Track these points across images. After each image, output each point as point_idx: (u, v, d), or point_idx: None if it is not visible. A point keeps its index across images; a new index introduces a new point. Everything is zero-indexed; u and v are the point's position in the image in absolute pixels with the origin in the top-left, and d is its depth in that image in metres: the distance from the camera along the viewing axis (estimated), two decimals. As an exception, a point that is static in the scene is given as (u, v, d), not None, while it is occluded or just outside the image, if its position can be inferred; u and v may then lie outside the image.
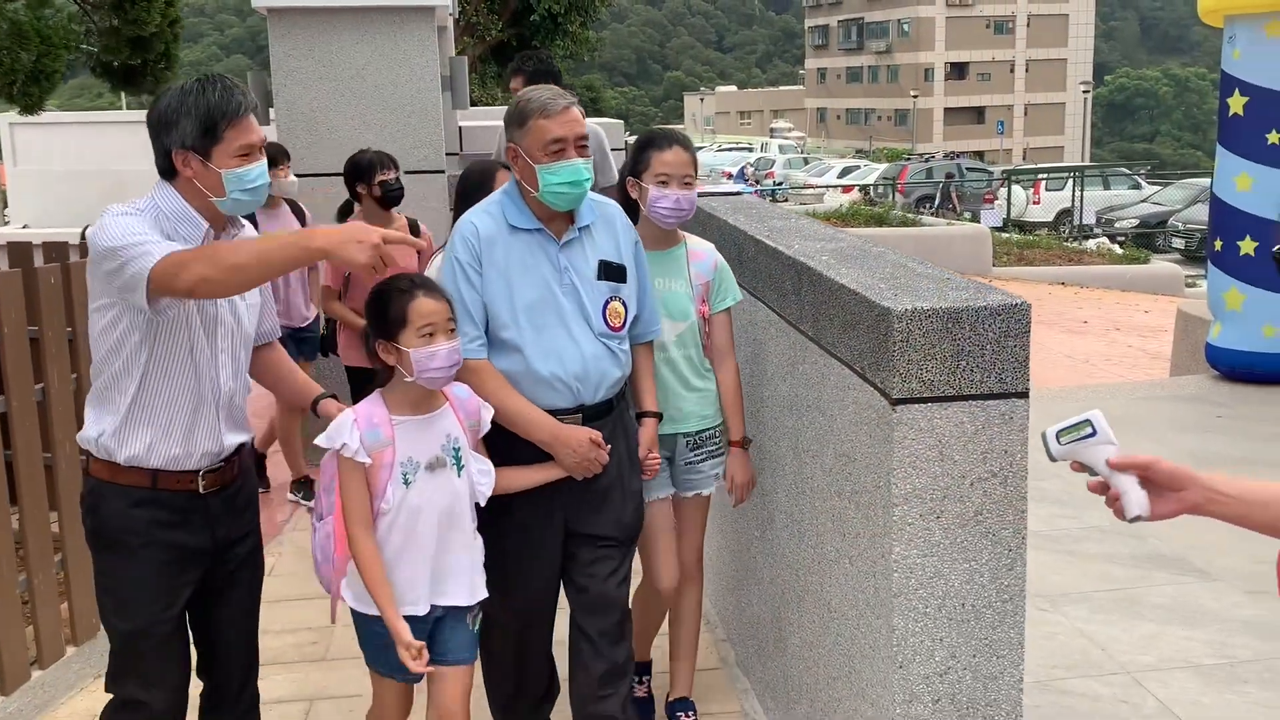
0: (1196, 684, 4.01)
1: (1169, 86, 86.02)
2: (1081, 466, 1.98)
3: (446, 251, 3.17)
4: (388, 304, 2.80)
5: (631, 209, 3.52)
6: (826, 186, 33.68)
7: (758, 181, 35.91)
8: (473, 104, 11.88)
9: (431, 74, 6.67)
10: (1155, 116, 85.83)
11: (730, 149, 49.44)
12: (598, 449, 3.08)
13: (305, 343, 6.00)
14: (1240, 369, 7.60)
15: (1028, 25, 75.81)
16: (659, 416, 3.38)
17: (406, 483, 2.83)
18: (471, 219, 3.13)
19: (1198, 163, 62.49)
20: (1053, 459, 2.02)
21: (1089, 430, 1.99)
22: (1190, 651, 4.23)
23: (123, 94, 21.38)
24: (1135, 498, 1.95)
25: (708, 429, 3.60)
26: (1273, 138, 7.25)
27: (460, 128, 8.51)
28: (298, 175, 6.69)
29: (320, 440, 2.82)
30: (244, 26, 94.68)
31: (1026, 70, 75.51)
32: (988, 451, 2.64)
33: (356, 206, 5.51)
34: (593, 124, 5.99)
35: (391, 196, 5.43)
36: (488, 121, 8.81)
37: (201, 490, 2.83)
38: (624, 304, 3.18)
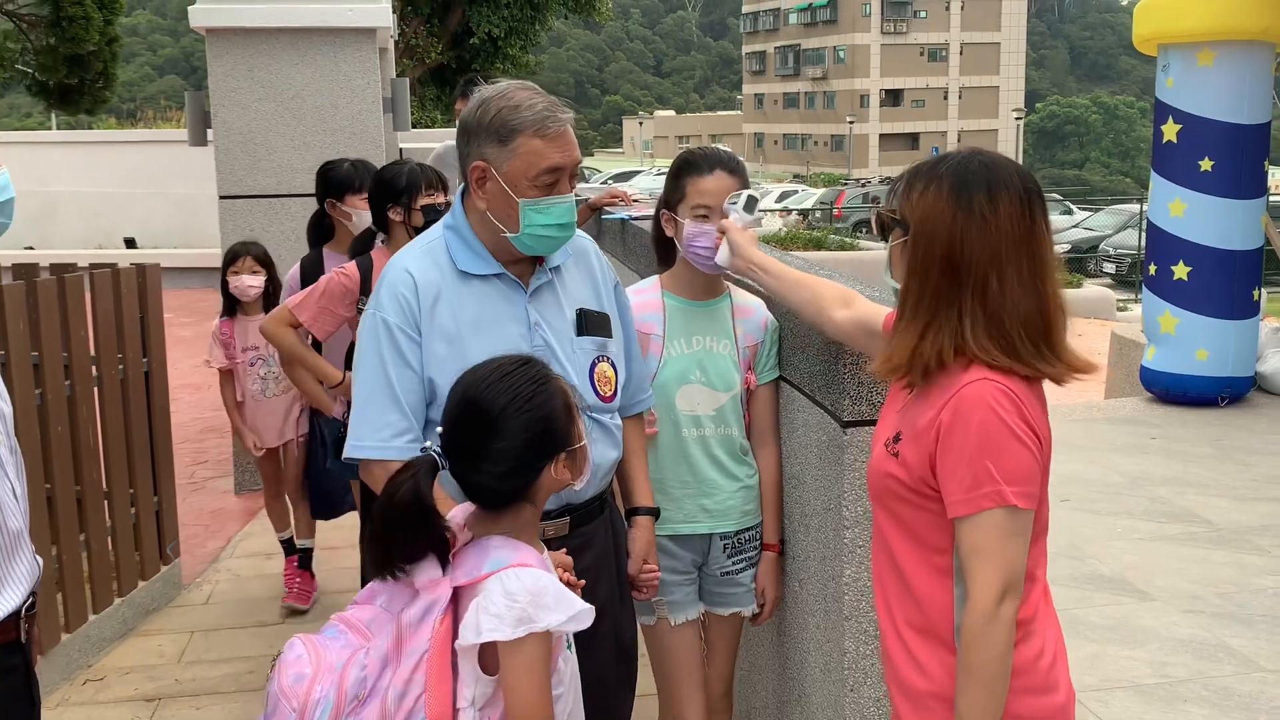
0: (1138, 703, 4.05)
1: (1098, 114, 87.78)
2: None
3: (369, 308, 2.40)
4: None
5: (665, 248, 2.93)
6: (765, 211, 33.91)
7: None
8: (412, 126, 11.82)
9: (373, 96, 6.63)
10: (1085, 143, 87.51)
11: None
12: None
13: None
14: (1174, 391, 7.72)
15: (960, 53, 77.19)
16: (656, 513, 2.72)
17: (569, 645, 2.13)
18: (405, 264, 2.38)
19: (1126, 189, 63.79)
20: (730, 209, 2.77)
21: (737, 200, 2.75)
22: (1131, 671, 4.27)
23: (53, 114, 21.04)
24: (722, 252, 2.72)
25: (749, 529, 2.93)
26: (1205, 165, 7.39)
27: (400, 149, 8.46)
28: (232, 196, 6.62)
29: (490, 634, 1.89)
30: (178, 47, 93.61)
31: (960, 97, 76.85)
32: (937, 473, 2.65)
33: (379, 238, 4.07)
34: (449, 141, 5.98)
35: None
36: (428, 144, 8.77)
37: None
38: (613, 365, 2.53)
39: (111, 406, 4.67)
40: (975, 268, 1.91)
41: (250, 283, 4.90)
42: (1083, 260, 24.91)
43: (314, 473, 4.71)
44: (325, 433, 4.40)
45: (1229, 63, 7.31)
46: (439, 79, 19.97)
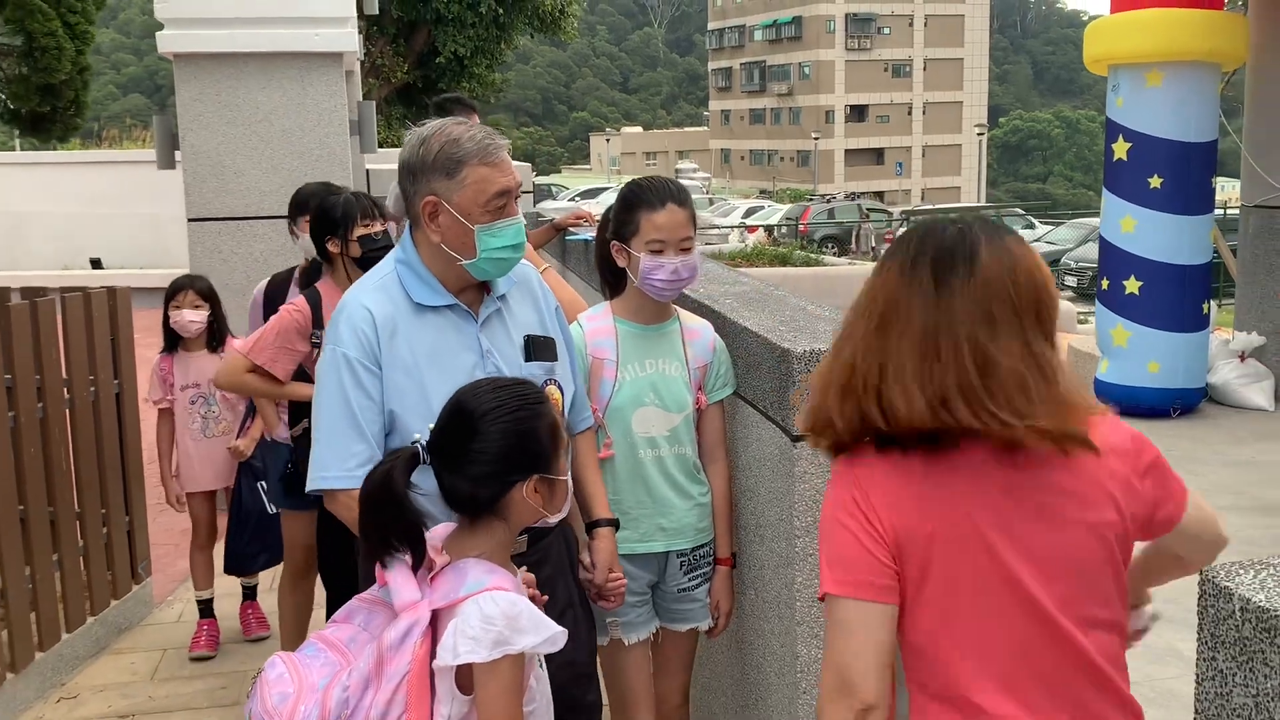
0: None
1: (1060, 128, 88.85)
2: None
3: (326, 343, 2.46)
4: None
5: (615, 276, 2.99)
6: (731, 227, 34.15)
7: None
8: (379, 146, 11.90)
9: (340, 119, 6.73)
10: (1048, 157, 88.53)
11: (637, 189, 49.69)
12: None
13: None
14: (1127, 403, 7.91)
15: (924, 69, 77.87)
16: (615, 524, 2.79)
17: (541, 664, 2.21)
18: (361, 300, 2.45)
19: (1090, 202, 64.52)
20: None
21: None
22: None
23: (16, 135, 20.98)
24: None
25: (703, 545, 3.00)
26: (1154, 182, 7.60)
27: (367, 171, 8.55)
28: (201, 219, 6.70)
29: (467, 656, 1.95)
30: (141, 65, 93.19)
31: (924, 113, 77.49)
32: (883, 485, 2.78)
33: (325, 269, 3.98)
34: None
35: (374, 260, 4.06)
36: (384, 165, 8.86)
37: None
38: (560, 388, 2.62)
39: (84, 428, 4.74)
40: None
41: (191, 318, 4.71)
42: (1045, 274, 25.18)
43: (236, 527, 4.72)
44: (267, 470, 4.39)
45: (1177, 83, 7.53)
46: (405, 98, 20.09)
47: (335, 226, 3.83)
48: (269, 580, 5.13)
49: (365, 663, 2.01)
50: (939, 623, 1.71)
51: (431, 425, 2.14)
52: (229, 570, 4.86)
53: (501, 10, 20.60)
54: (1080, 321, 18.88)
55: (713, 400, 3.02)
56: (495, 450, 2.07)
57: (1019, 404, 1.63)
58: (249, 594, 5.07)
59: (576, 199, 38.30)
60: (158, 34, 6.47)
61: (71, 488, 4.67)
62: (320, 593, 4.19)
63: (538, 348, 2.58)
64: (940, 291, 1.72)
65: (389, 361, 2.41)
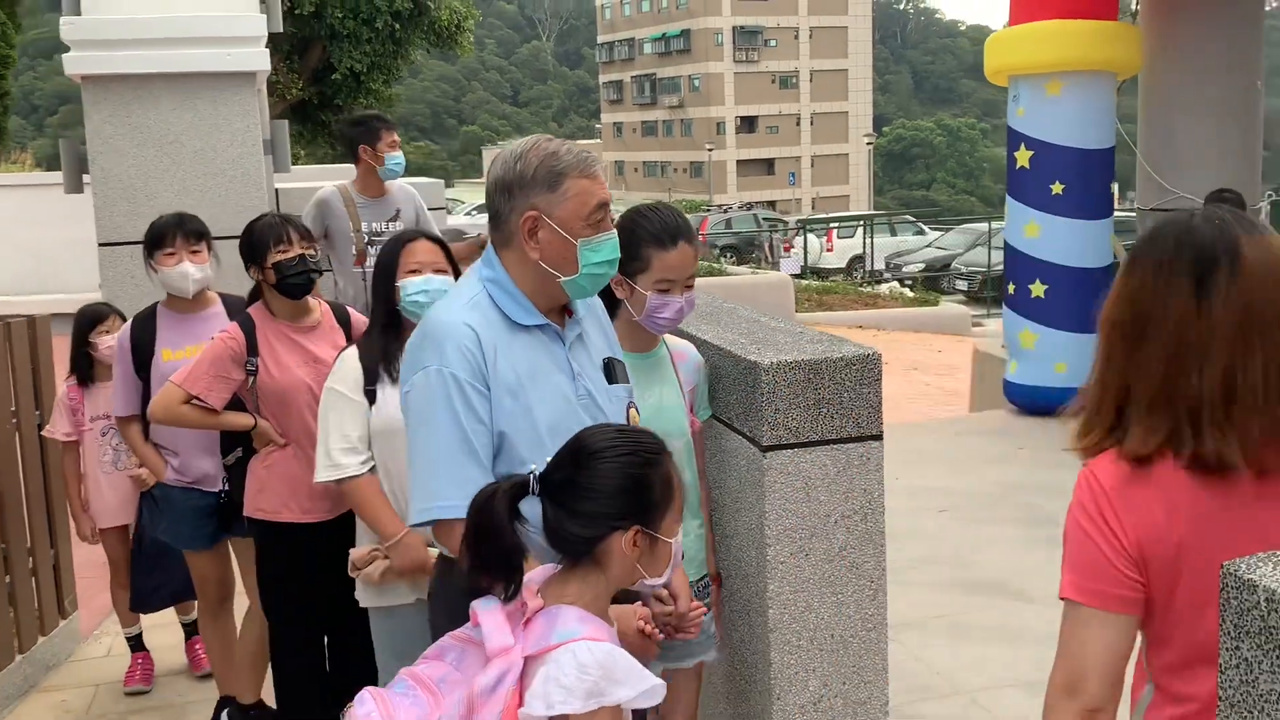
0: (1026, 699, 4.31)
1: (942, 136, 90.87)
2: None
3: (424, 364, 2.33)
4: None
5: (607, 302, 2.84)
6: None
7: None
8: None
9: (254, 139, 6.63)
10: (931, 165, 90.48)
11: (532, 203, 49.71)
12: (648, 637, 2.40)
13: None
14: (1036, 403, 8.15)
15: (810, 80, 79.11)
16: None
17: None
18: (461, 318, 2.35)
19: (971, 208, 66.16)
20: None
21: None
22: (1017, 669, 4.54)
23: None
24: None
25: (704, 576, 3.02)
26: (1056, 188, 7.85)
27: (276, 191, 8.42)
28: (112, 244, 6.52)
29: (560, 707, 1.90)
30: (17, 85, 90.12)
31: (812, 123, 78.69)
32: (849, 491, 2.85)
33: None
34: (405, 183, 6.02)
35: (292, 285, 3.73)
36: (305, 184, 8.74)
37: None
38: (638, 411, 2.60)
39: (7, 460, 4.60)
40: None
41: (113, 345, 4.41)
42: (937, 279, 25.81)
43: (136, 562, 4.61)
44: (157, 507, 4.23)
45: (1075, 92, 7.79)
46: (300, 115, 19.80)
47: (252, 254, 3.75)
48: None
49: (456, 709, 1.94)
50: (1186, 631, 1.74)
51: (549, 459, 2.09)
52: (134, 609, 4.71)
53: (398, 26, 20.42)
54: (974, 324, 19.41)
55: (701, 420, 3.06)
56: (602, 488, 2.02)
57: (1266, 427, 1.65)
58: (190, 630, 4.94)
59: (473, 213, 38.08)
60: (64, 56, 6.30)
61: (-4, 523, 4.52)
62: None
63: (618, 371, 2.55)
64: (1201, 296, 1.69)
65: (495, 383, 2.32)
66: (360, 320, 3.95)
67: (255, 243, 3.74)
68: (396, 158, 5.73)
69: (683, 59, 79.70)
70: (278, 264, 3.70)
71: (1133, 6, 10.76)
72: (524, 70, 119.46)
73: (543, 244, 2.36)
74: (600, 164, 2.44)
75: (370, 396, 3.27)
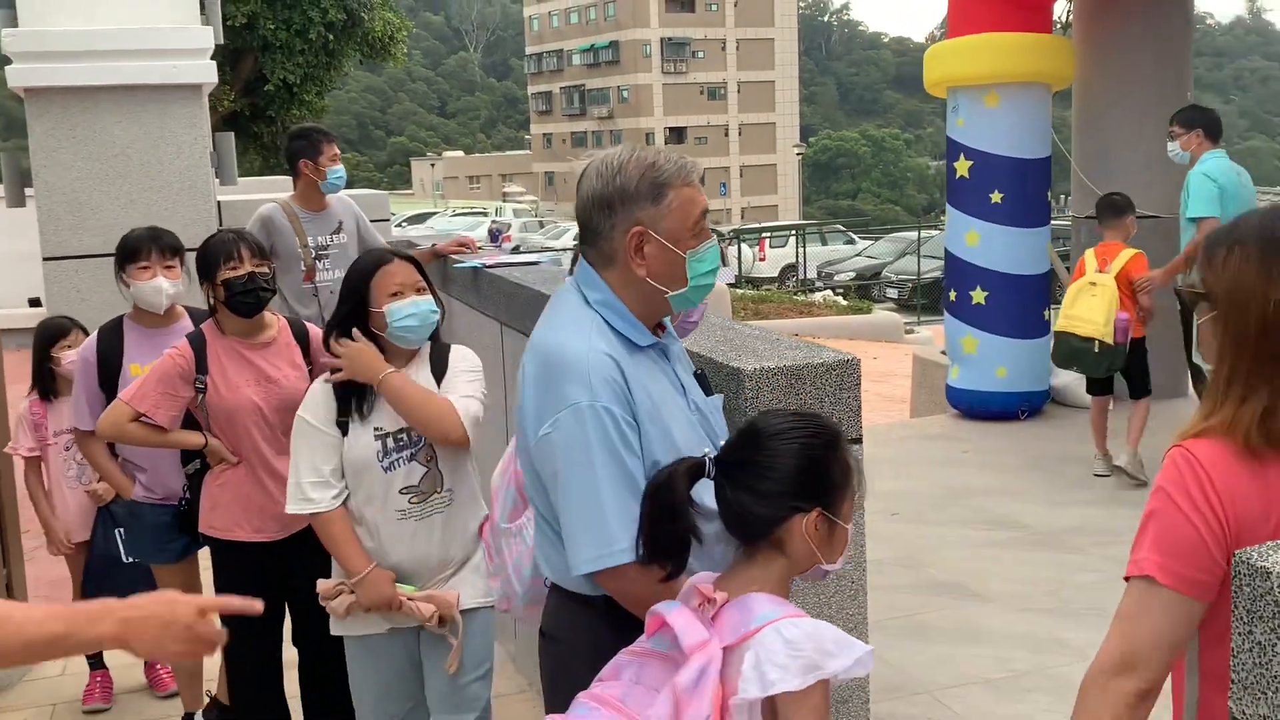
0: (989, 697, 4.41)
1: (867, 146, 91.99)
2: None
3: (571, 398, 2.16)
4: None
5: None
6: (565, 249, 34.34)
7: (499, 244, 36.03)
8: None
9: (201, 151, 6.58)
10: (857, 174, 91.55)
11: (464, 214, 49.52)
12: None
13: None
14: (978, 407, 8.32)
15: (738, 92, 79.80)
16: None
17: None
18: (597, 346, 2.20)
19: (896, 217, 67.06)
20: None
21: None
22: (978, 667, 4.64)
23: None
24: None
25: None
26: (995, 197, 8.02)
27: (219, 203, 8.33)
28: (57, 258, 6.43)
29: (780, 685, 1.87)
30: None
31: (740, 134, 79.36)
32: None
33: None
34: (344, 195, 5.99)
35: (241, 303, 3.67)
36: (248, 195, 8.66)
37: None
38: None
39: (-40, 480, 4.51)
40: None
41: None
42: (868, 287, 26.14)
43: (88, 578, 4.54)
44: (127, 521, 4.20)
45: (1012, 103, 7.98)
46: (232, 126, 19.53)
47: (204, 270, 3.70)
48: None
49: (662, 710, 1.90)
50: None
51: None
52: None
53: (331, 37, 20.25)
54: (907, 331, 19.71)
55: None
56: (783, 469, 1.99)
57: None
58: (99, 660, 4.83)
59: (403, 224, 37.86)
60: (7, 69, 6.21)
61: (-50, 543, 4.43)
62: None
63: (709, 383, 2.49)
64: None
65: (638, 411, 2.20)
66: (319, 335, 3.84)
67: (207, 259, 3.70)
68: (338, 171, 5.71)
69: (611, 70, 79.98)
70: (227, 281, 3.65)
71: (1065, 19, 11.04)
72: (451, 81, 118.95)
73: (649, 259, 2.25)
74: (699, 170, 2.33)
75: (343, 429, 3.19)
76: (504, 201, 60.66)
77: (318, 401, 3.22)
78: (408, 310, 3.17)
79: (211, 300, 3.73)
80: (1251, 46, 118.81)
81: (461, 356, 3.37)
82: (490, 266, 5.28)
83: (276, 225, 5.58)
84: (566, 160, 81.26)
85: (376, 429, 3.17)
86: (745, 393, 2.81)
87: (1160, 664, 1.73)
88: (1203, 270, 1.83)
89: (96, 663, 4.78)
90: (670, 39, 78.05)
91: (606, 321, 2.27)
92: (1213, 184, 6.48)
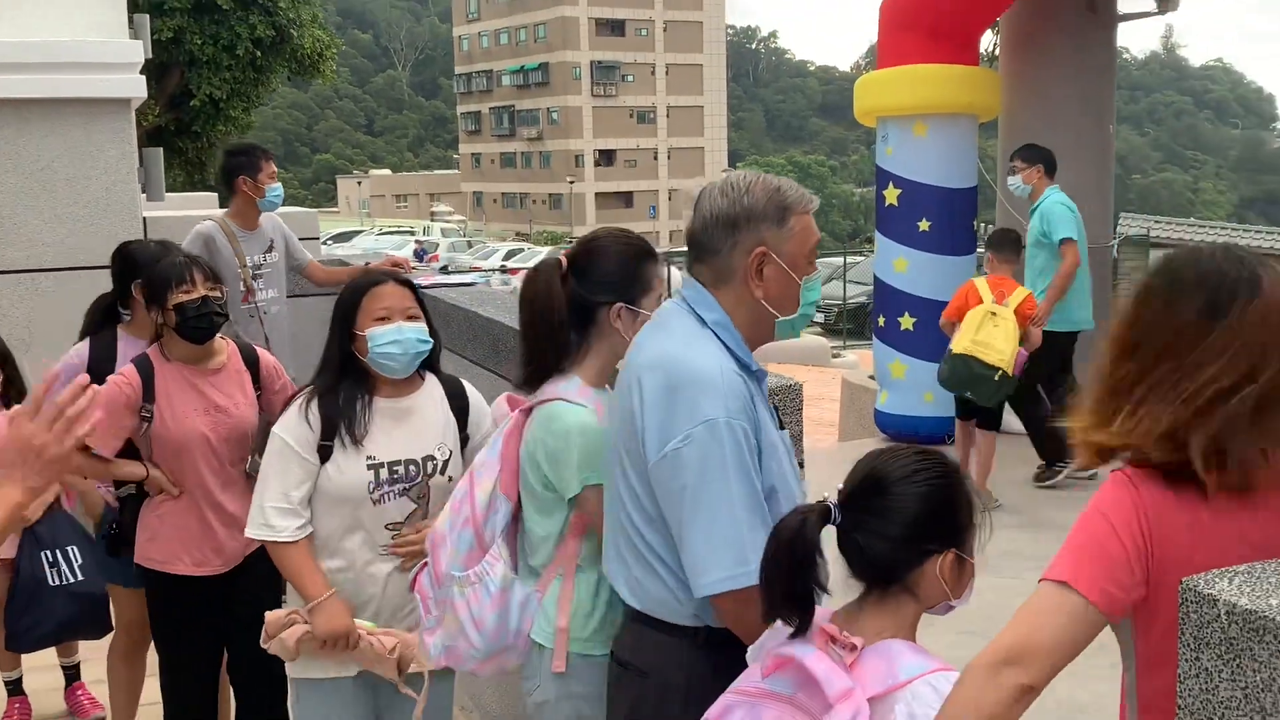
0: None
1: (793, 172, 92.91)
2: None
3: (704, 413, 2.14)
4: None
5: (582, 340, 2.60)
6: (493, 270, 34.20)
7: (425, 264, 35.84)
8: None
9: (128, 166, 6.45)
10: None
11: (391, 233, 49.19)
12: None
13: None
14: (906, 431, 8.40)
15: (667, 116, 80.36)
16: None
17: None
18: (729, 366, 2.20)
19: (823, 243, 67.64)
20: None
21: None
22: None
23: None
24: None
25: None
26: (923, 225, 8.14)
27: (144, 219, 8.18)
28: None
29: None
30: None
31: (669, 157, 79.86)
32: (772, 520, 2.92)
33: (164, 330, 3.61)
34: (273, 214, 5.90)
35: (195, 329, 3.53)
36: (175, 211, 8.52)
37: None
38: None
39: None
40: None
41: None
42: (796, 311, 26.37)
43: (11, 599, 4.31)
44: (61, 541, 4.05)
45: (940, 133, 8.12)
46: (156, 141, 19.23)
47: (153, 294, 3.56)
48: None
49: None
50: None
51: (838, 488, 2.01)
52: (8, 648, 4.42)
53: (260, 53, 20.06)
54: (834, 355, 19.91)
55: None
56: (915, 512, 1.95)
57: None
58: (72, 675, 4.73)
59: (329, 242, 37.49)
60: (-71, 79, 6.04)
61: None
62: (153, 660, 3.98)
63: (779, 415, 2.46)
64: (1219, 317, 1.76)
65: (759, 436, 2.20)
66: (270, 362, 3.75)
67: (157, 282, 3.54)
68: (277, 189, 5.65)
69: (541, 92, 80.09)
70: (180, 305, 3.49)
71: (992, 52, 11.28)
72: (379, 99, 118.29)
73: (768, 281, 2.25)
74: (816, 201, 2.38)
75: (324, 453, 2.98)
76: (432, 221, 60.44)
77: (300, 421, 2.99)
78: (391, 336, 2.97)
79: (160, 325, 3.58)
80: (1166, 81, 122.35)
81: (484, 410, 3.16)
82: (425, 287, 5.25)
83: (215, 243, 5.49)
84: (496, 180, 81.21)
85: (370, 457, 2.98)
86: (689, 418, 2.82)
87: (1050, 667, 1.71)
88: (1138, 309, 1.86)
89: (15, 689, 4.64)
90: (600, 62, 78.40)
91: (723, 342, 2.25)
92: (1070, 212, 7.05)
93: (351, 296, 3.04)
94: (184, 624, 3.60)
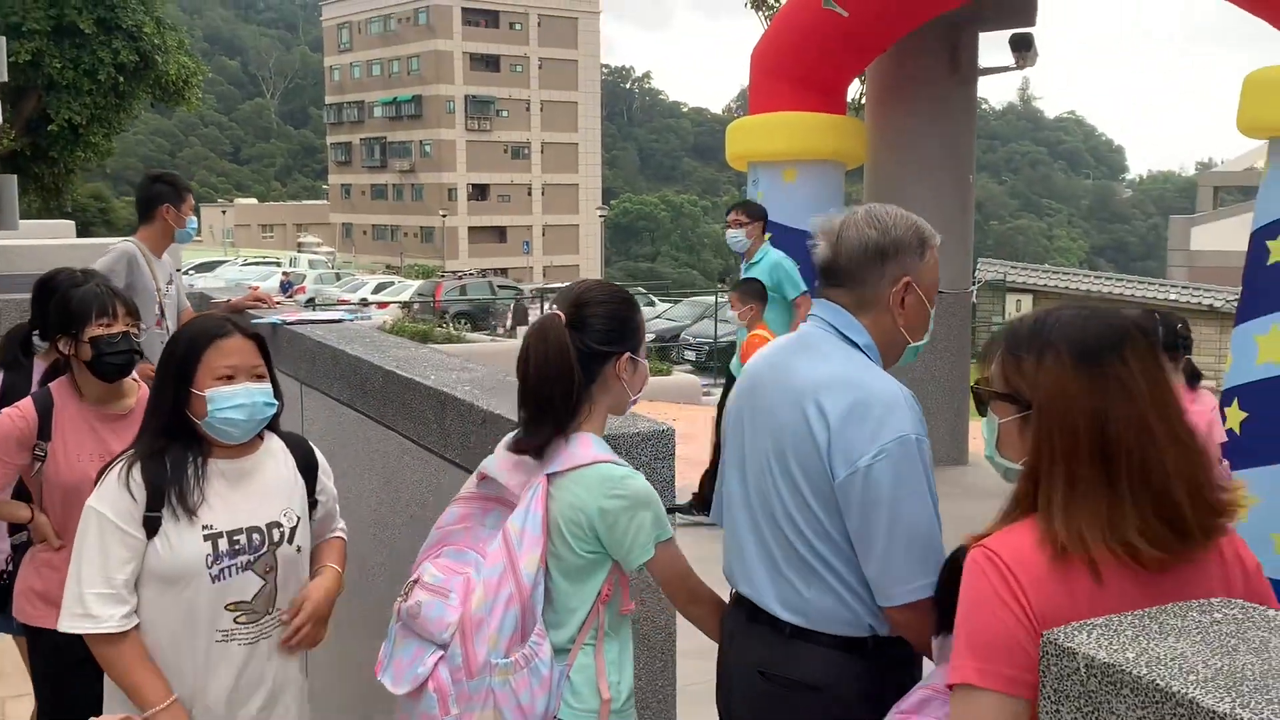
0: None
1: (666, 211, 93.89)
2: None
3: (906, 431, 2.25)
4: None
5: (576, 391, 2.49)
6: (362, 302, 33.69)
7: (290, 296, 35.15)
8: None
9: (-22, 193, 6.19)
10: (656, 238, 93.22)
11: (256, 263, 48.11)
12: None
13: None
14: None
15: (542, 152, 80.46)
16: None
17: None
18: (895, 382, 2.34)
19: (693, 281, 68.60)
20: None
21: None
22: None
23: None
24: None
25: None
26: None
27: (-6, 247, 7.85)
28: None
29: None
30: None
31: (543, 193, 79.89)
32: (644, 566, 2.91)
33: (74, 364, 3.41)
34: (123, 242, 5.69)
35: (110, 365, 3.33)
36: (26, 240, 8.19)
37: None
38: None
39: None
40: (1126, 441, 1.73)
41: None
42: (667, 349, 26.58)
43: None
44: None
45: (809, 179, 8.29)
46: (11, 166, 18.52)
47: (67, 323, 3.32)
48: None
49: None
50: None
51: None
52: None
53: (122, 79, 19.48)
54: (705, 394, 20.08)
55: None
56: None
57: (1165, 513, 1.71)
58: None
59: (190, 272, 36.49)
60: None
61: None
62: None
63: None
64: (1100, 379, 1.75)
65: None
66: None
67: (73, 312, 3.30)
68: (194, 222, 5.67)
69: (414, 124, 79.45)
70: (97, 339, 3.24)
71: (859, 101, 11.57)
72: (246, 127, 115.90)
73: (908, 309, 2.39)
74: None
75: (151, 526, 2.57)
76: (299, 252, 59.33)
77: (120, 490, 2.58)
78: (236, 400, 2.61)
79: (71, 358, 3.33)
80: (1022, 131, 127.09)
81: (329, 471, 2.95)
82: (291, 323, 5.12)
83: (138, 264, 5.36)
84: (365, 211, 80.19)
85: (206, 527, 2.59)
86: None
87: None
88: (1007, 372, 1.85)
89: None
90: (474, 97, 78.17)
91: (875, 365, 2.40)
92: (794, 267, 7.33)
93: (189, 348, 2.64)
94: (60, 682, 3.37)
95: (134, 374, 3.45)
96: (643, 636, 2.93)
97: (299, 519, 2.76)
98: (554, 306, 2.56)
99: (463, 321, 30.87)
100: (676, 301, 33.05)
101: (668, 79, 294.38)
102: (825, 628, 2.34)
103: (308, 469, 2.85)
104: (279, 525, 2.71)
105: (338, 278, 43.87)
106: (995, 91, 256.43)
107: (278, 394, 2.75)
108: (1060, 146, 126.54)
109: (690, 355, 26.26)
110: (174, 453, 2.62)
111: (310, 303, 33.32)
